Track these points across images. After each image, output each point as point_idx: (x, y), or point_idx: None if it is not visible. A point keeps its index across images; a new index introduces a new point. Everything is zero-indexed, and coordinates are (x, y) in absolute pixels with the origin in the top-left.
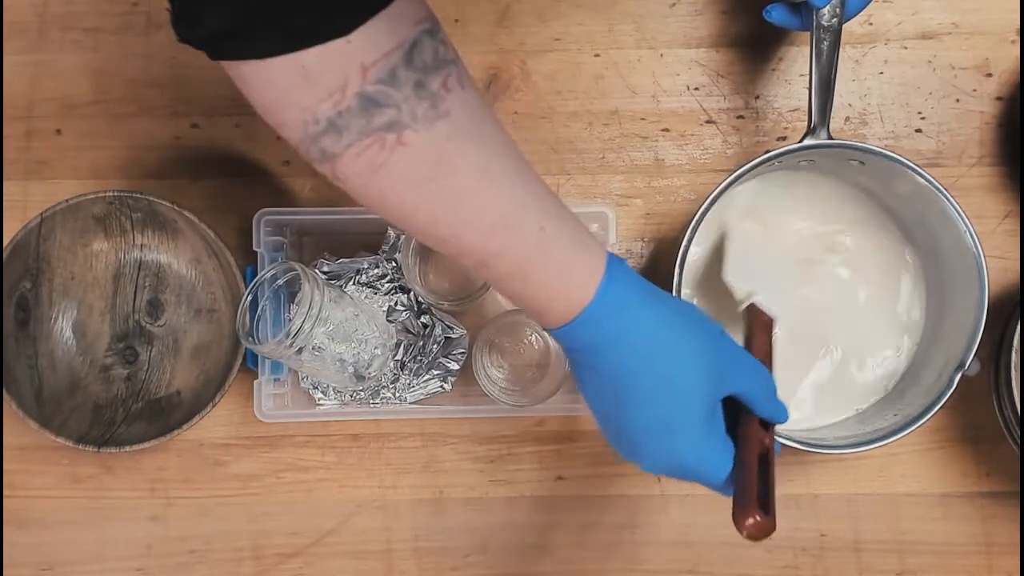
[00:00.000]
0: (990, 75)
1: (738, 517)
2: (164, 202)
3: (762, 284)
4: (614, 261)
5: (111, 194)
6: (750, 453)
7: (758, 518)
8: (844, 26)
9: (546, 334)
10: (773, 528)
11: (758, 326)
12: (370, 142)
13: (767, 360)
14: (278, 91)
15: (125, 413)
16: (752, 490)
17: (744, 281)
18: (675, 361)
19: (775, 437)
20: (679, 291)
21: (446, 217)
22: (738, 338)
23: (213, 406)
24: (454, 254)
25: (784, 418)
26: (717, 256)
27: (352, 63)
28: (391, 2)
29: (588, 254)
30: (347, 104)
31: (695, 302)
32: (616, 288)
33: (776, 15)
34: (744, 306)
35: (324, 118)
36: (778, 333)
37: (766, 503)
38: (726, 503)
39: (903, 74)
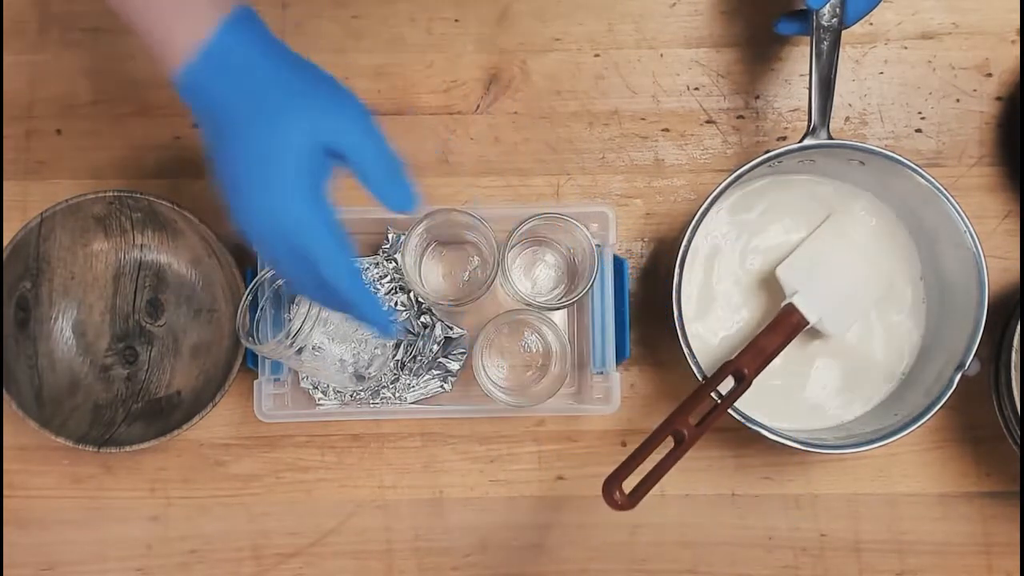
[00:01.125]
0: (990, 75)
1: (609, 484)
2: (164, 202)
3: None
4: (240, 11)
5: (111, 194)
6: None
7: (617, 498)
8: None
9: (546, 334)
10: (628, 508)
11: (785, 324)
12: None
13: (772, 355)
14: None
15: (125, 413)
16: (633, 466)
17: (796, 280)
18: (269, 102)
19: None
20: (679, 291)
21: None
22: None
23: (213, 406)
24: None
25: (401, 204)
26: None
27: None
28: None
29: None
30: None
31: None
32: (229, 35)
33: (784, 26)
34: (785, 302)
35: None
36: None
37: (642, 487)
38: (726, 503)
39: (903, 74)
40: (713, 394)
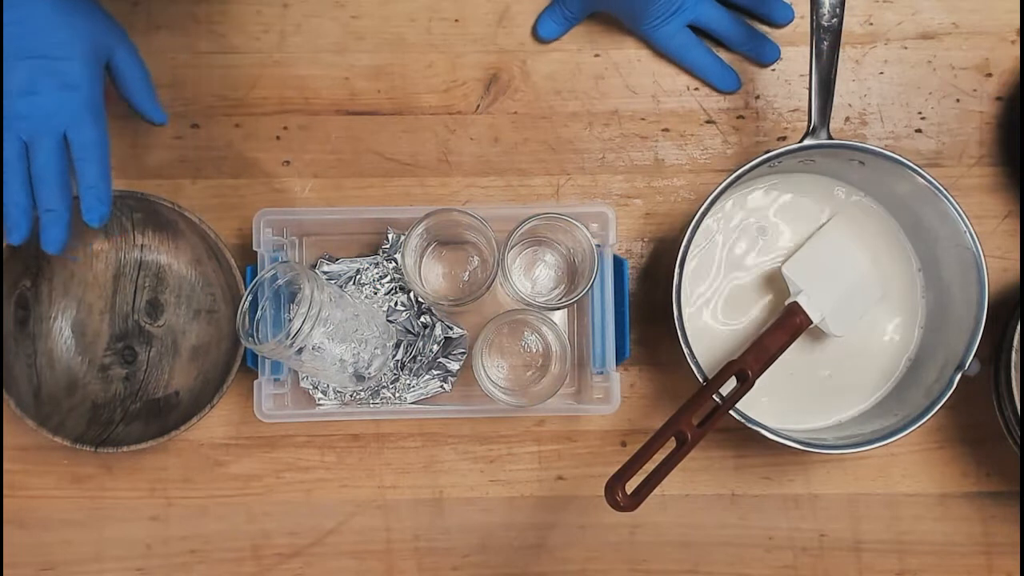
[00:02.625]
0: (990, 75)
1: (612, 485)
2: (164, 202)
3: (812, 289)
4: None
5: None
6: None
7: (619, 499)
8: (844, 26)
9: (546, 334)
10: (630, 509)
11: (789, 324)
12: None
13: (776, 355)
14: None
15: (123, 413)
16: (636, 467)
17: (800, 279)
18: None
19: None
20: (679, 291)
21: None
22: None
23: (211, 407)
24: None
25: (159, 117)
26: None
27: None
28: None
29: None
30: None
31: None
32: None
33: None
34: (789, 300)
35: None
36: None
37: (644, 488)
38: (726, 503)
39: (903, 74)
40: (715, 395)
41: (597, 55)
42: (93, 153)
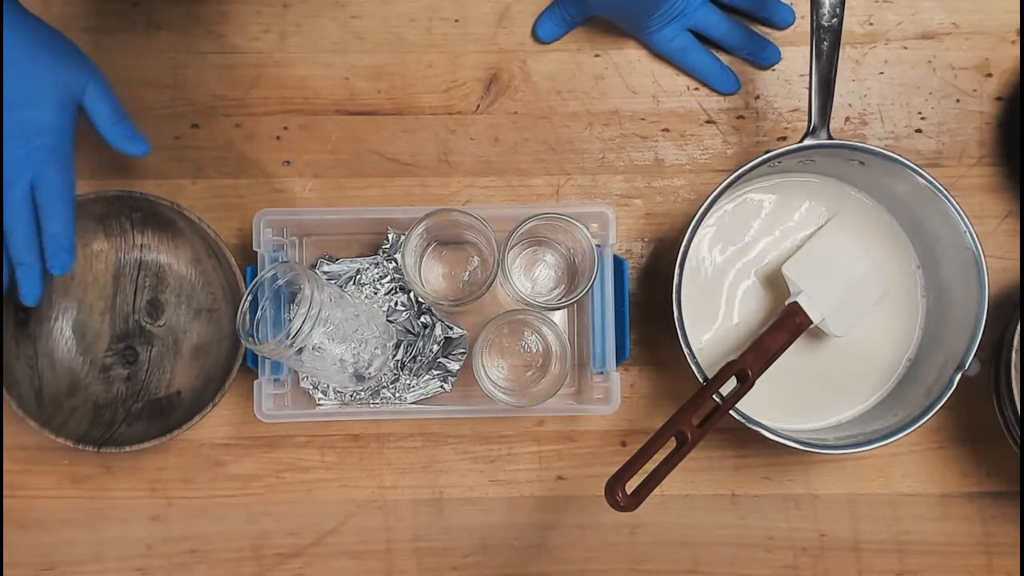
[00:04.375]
0: (990, 75)
1: (612, 485)
2: (163, 201)
3: (812, 289)
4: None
5: (111, 194)
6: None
7: (619, 499)
8: (844, 26)
9: (546, 334)
10: (631, 509)
11: (789, 324)
12: None
13: (776, 355)
14: None
15: (125, 413)
16: (636, 467)
17: (800, 279)
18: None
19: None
20: (679, 291)
21: None
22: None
23: (213, 406)
24: None
25: (135, 149)
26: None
27: None
28: None
29: None
30: None
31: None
32: None
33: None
34: (789, 300)
35: None
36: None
37: (644, 488)
38: (726, 503)
39: (903, 74)
40: (715, 395)
41: (597, 55)
42: (58, 202)
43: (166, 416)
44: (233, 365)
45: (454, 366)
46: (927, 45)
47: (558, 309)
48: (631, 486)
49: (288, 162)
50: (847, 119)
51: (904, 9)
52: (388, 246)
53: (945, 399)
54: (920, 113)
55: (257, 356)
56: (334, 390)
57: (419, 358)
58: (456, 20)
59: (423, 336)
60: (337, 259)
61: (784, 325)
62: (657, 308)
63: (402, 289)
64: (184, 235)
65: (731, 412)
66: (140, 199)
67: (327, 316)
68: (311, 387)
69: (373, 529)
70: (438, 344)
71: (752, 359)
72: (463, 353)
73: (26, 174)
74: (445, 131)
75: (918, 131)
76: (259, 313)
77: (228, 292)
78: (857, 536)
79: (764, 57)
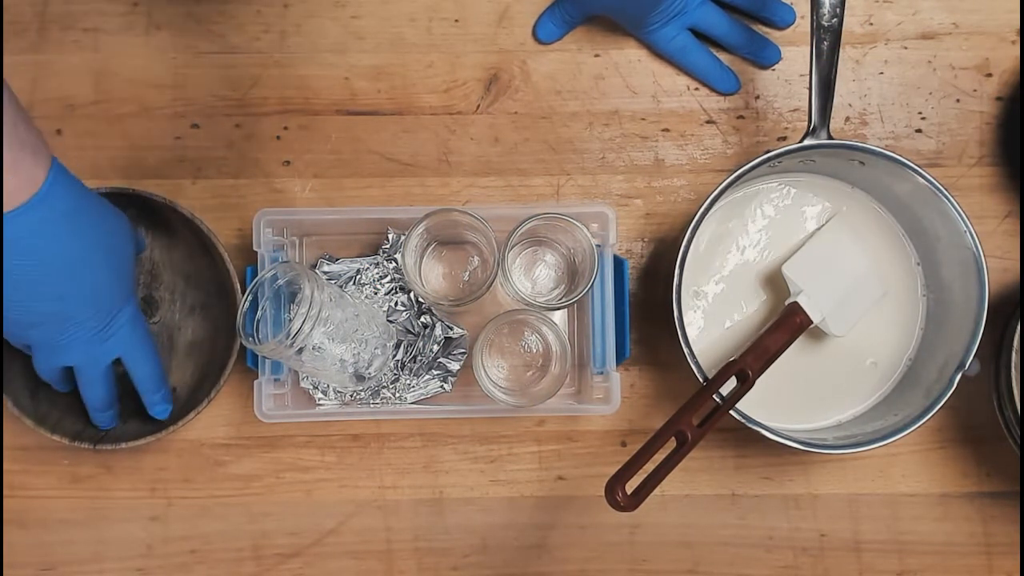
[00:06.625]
0: (990, 75)
1: (612, 484)
2: (157, 197)
3: (812, 289)
4: (56, 170)
5: (105, 190)
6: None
7: (620, 498)
8: (844, 26)
9: (546, 334)
10: (631, 509)
11: (789, 324)
12: None
13: (776, 355)
14: None
15: (121, 410)
16: (636, 467)
17: (800, 279)
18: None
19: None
20: (679, 291)
21: None
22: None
23: (208, 402)
24: None
25: (159, 412)
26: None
27: None
28: None
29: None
30: None
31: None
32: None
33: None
34: (789, 300)
35: None
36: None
37: (644, 488)
38: (726, 503)
39: (903, 74)
40: (715, 395)
41: (597, 55)
42: (148, 378)
43: None
44: (228, 361)
45: (454, 366)
46: (927, 45)
47: (558, 309)
48: (631, 486)
49: (288, 162)
50: (847, 119)
51: (904, 9)
52: (388, 246)
53: (945, 399)
54: (920, 113)
55: (257, 356)
56: (334, 390)
57: (419, 358)
58: (456, 20)
59: (423, 336)
60: (337, 259)
61: (784, 325)
62: (657, 308)
63: (402, 289)
64: (177, 231)
65: (731, 412)
66: (132, 195)
67: (327, 316)
68: (311, 387)
69: (373, 529)
70: (438, 344)
71: (752, 359)
72: (463, 353)
73: (106, 360)
74: (445, 131)
75: (918, 131)
76: (259, 313)
77: (222, 287)
78: (857, 536)
79: (764, 57)
